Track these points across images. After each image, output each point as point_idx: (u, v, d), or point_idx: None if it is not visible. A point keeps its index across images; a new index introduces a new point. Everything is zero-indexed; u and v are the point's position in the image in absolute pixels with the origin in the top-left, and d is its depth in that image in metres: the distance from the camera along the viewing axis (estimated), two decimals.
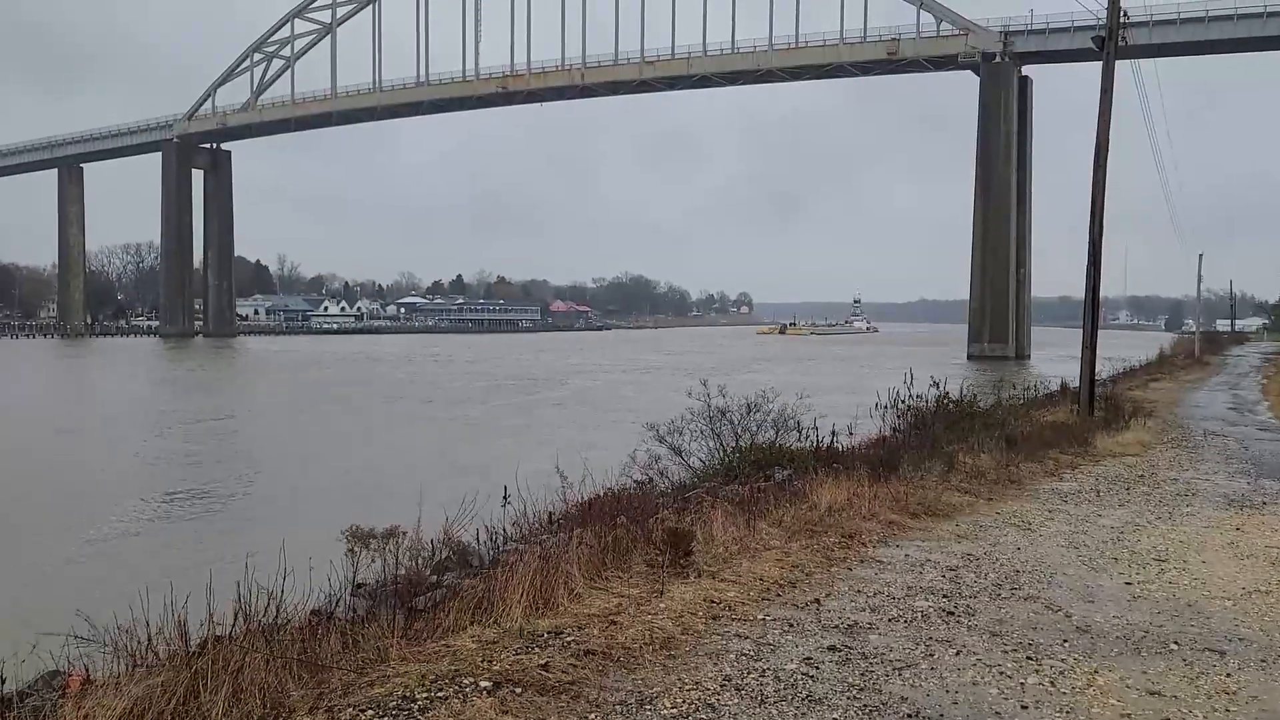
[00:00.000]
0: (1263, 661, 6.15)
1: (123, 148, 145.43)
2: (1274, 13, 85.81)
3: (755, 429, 15.35)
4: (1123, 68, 22.99)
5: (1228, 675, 5.86)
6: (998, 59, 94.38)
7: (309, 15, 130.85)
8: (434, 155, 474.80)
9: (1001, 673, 5.74)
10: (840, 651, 5.98)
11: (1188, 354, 63.47)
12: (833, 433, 16.85)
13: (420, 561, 8.70)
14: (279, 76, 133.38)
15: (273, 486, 22.29)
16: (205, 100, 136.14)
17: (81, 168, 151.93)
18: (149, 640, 5.34)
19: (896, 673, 5.66)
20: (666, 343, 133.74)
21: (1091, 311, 22.23)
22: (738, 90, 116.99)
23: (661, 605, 6.59)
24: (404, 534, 8.66)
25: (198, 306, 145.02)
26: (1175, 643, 6.47)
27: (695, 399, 15.75)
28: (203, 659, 4.79)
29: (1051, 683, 5.61)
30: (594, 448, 14.70)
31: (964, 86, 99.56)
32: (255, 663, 4.84)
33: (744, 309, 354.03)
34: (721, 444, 15.24)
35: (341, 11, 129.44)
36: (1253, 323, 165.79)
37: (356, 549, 8.41)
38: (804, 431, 15.90)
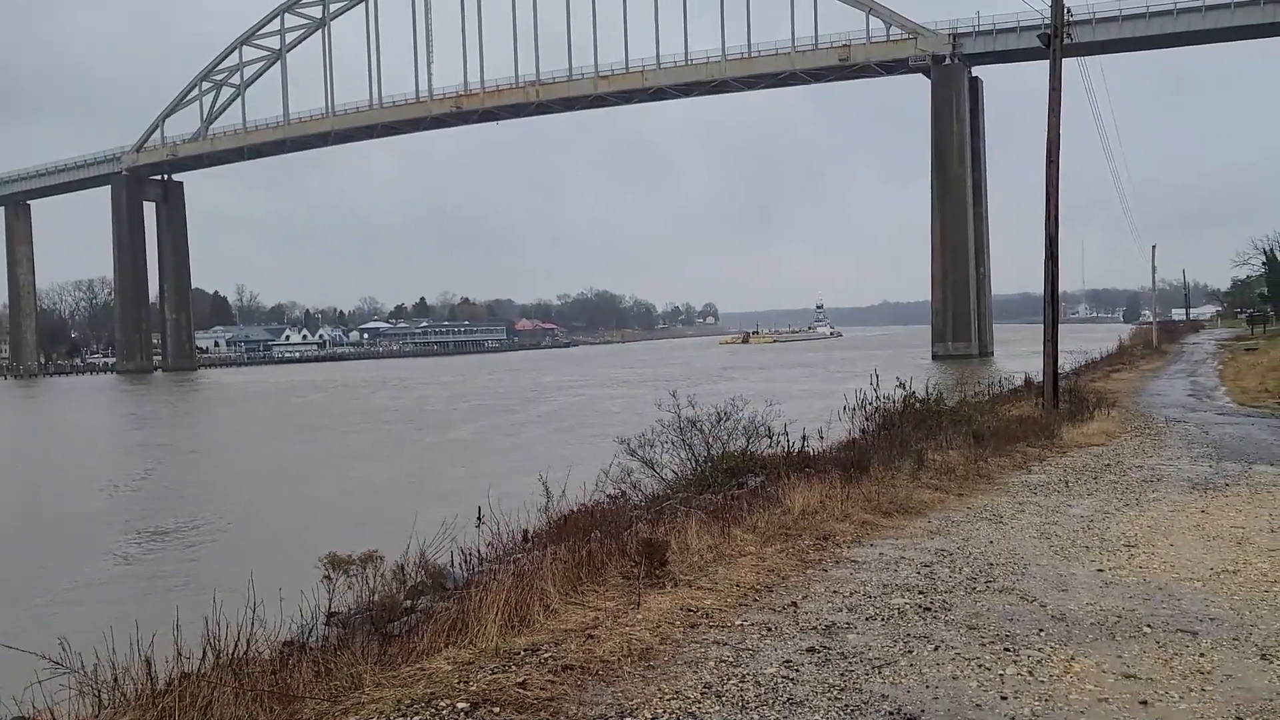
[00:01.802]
0: (1234, 640, 6.22)
1: (71, 183, 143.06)
2: (1212, 6, 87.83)
3: (726, 437, 15.33)
4: (1072, 66, 23.41)
5: (1201, 655, 5.92)
6: (947, 61, 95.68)
7: (257, 42, 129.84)
8: (392, 177, 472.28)
9: (980, 665, 5.75)
10: (819, 653, 5.96)
11: (1146, 344, 64.46)
12: (803, 437, 16.87)
13: (395, 586, 8.60)
14: (229, 105, 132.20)
15: (257, 518, 22.05)
16: (154, 131, 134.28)
17: (29, 205, 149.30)
18: (115, 680, 5.21)
19: (876, 671, 5.66)
20: (634, 356, 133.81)
21: (1051, 306, 22.50)
22: (697, 100, 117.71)
23: (639, 616, 6.54)
24: (379, 560, 8.56)
25: (155, 341, 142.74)
26: (1148, 626, 6.53)
27: (666, 410, 15.73)
28: (169, 696, 4.67)
29: (1030, 672, 5.63)
30: (578, 462, 14.68)
31: (920, 87, 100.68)
32: (224, 697, 4.74)
33: (710, 319, 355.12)
34: (693, 454, 15.21)
35: (290, 37, 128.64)
36: (1206, 310, 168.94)
37: (331, 577, 8.29)
38: (775, 437, 15.91)
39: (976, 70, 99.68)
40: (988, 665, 5.75)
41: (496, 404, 57.51)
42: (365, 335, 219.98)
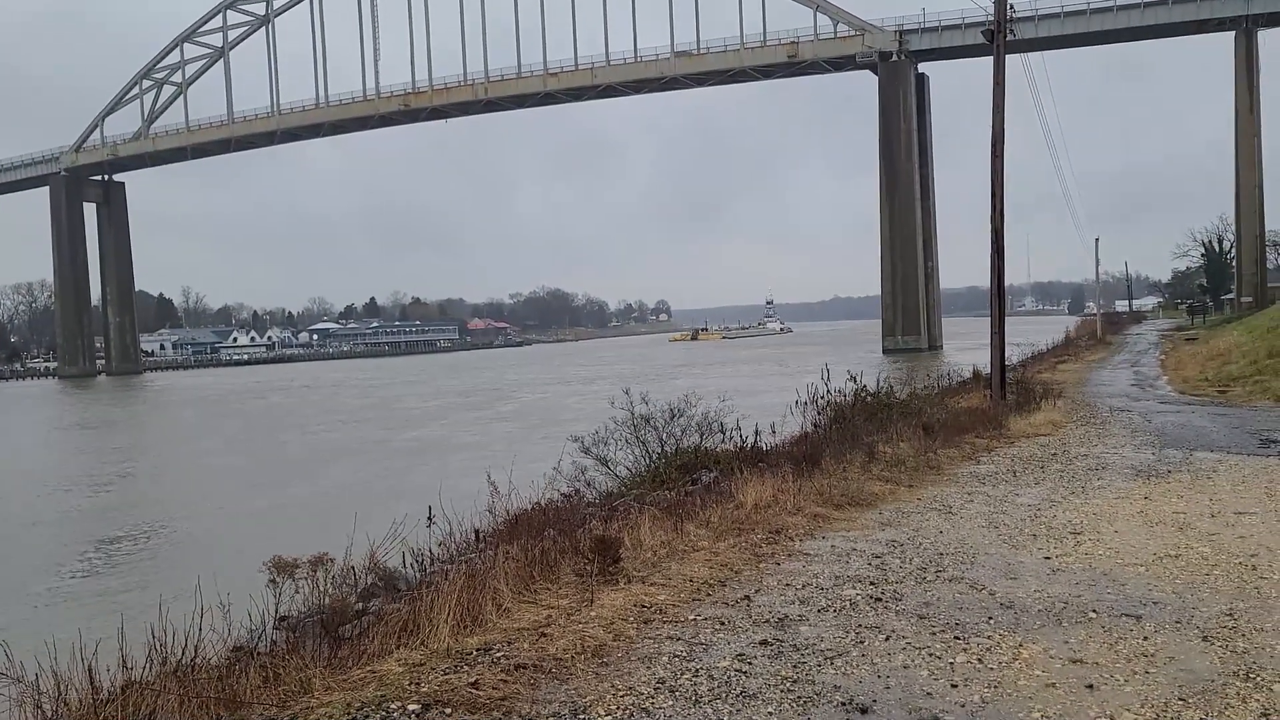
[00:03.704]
0: (1177, 623, 6.36)
1: (7, 184, 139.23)
2: (1150, 3, 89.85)
3: (680, 434, 15.38)
4: (1016, 62, 23.76)
5: (1145, 638, 6.04)
6: (894, 58, 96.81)
7: (199, 39, 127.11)
8: (340, 175, 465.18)
9: (931, 654, 5.81)
10: (772, 645, 5.99)
11: (1091, 335, 65.80)
12: (755, 432, 16.93)
13: (347, 589, 8.49)
14: (171, 103, 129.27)
15: (211, 524, 21.70)
16: (93, 130, 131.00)
17: None
18: (59, 689, 5.08)
19: (829, 662, 5.69)
20: (588, 355, 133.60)
21: (998, 299, 22.84)
22: (648, 96, 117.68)
23: (592, 614, 6.52)
24: (331, 562, 8.44)
25: (99, 345, 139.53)
26: (1094, 611, 6.65)
27: (621, 408, 15.73)
28: (113, 705, 4.56)
29: (979, 660, 5.71)
30: (541, 459, 14.65)
31: (868, 83, 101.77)
32: (169, 705, 4.64)
33: (663, 317, 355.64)
34: (647, 451, 15.24)
35: (234, 35, 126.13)
36: (1149, 301, 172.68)
37: (280, 580, 8.16)
38: (728, 433, 15.98)
39: (923, 66, 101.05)
40: (938, 654, 5.82)
41: (460, 402, 57.26)
42: (315, 336, 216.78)
